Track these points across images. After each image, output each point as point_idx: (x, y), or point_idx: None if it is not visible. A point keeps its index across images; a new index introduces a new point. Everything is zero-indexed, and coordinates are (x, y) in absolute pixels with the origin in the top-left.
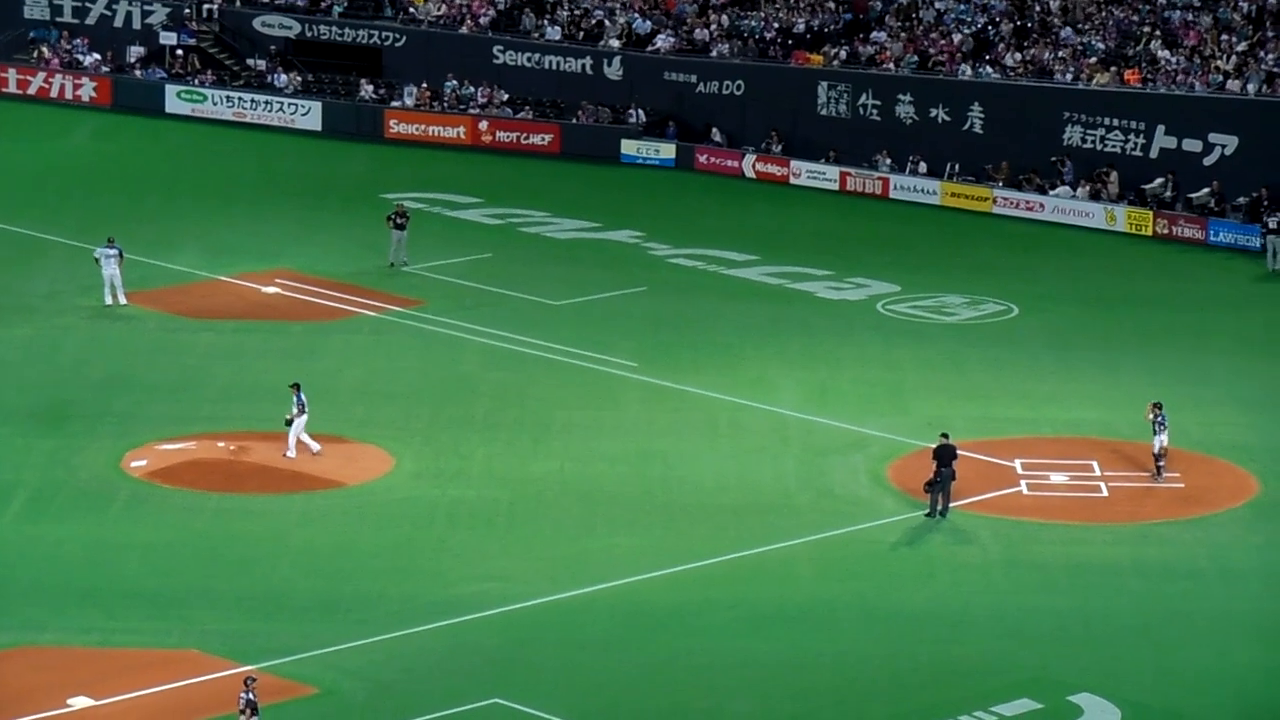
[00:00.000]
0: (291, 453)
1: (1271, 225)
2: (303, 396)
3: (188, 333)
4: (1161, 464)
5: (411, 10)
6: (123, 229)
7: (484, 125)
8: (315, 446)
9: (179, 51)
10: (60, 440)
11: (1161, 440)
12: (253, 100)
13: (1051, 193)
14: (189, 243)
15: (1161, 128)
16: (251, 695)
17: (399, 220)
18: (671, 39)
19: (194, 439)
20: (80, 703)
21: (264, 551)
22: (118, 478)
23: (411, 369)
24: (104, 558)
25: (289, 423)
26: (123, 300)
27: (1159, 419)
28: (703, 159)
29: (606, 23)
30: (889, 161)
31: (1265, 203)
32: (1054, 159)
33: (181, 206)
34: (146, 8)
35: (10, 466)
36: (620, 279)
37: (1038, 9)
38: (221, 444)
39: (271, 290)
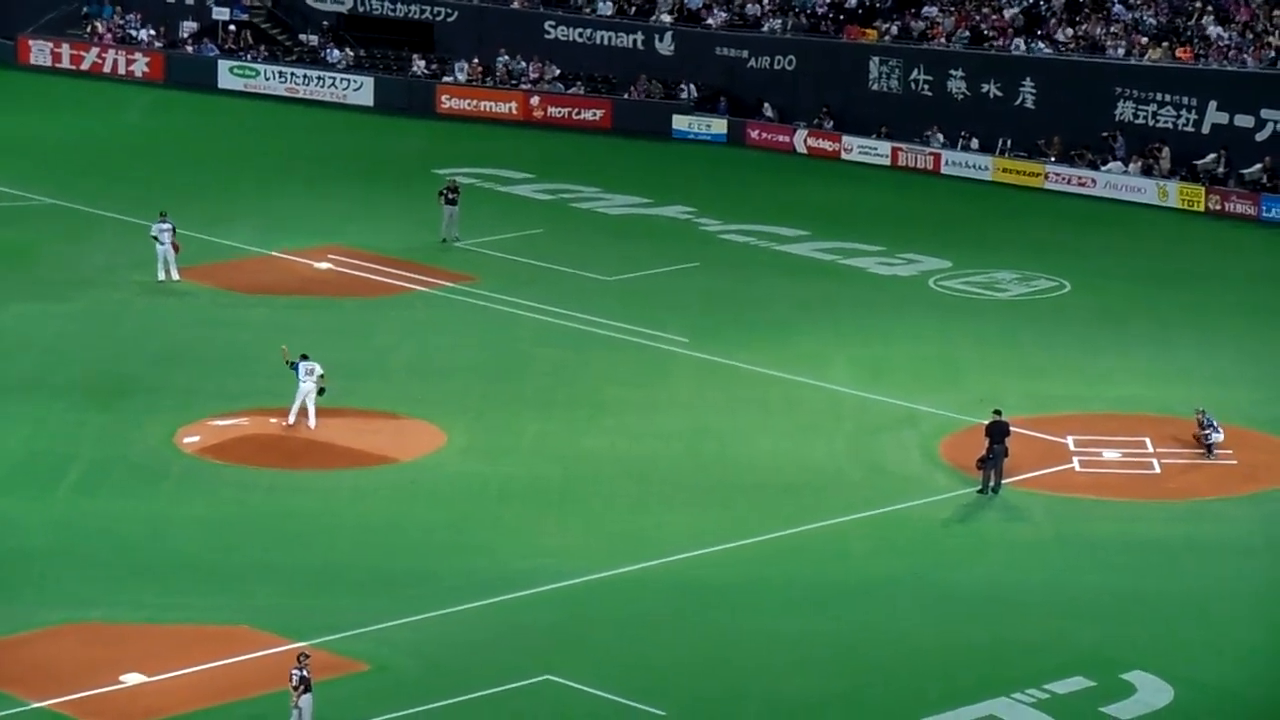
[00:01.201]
0: (312, 422)
1: None
2: (309, 364)
3: (241, 308)
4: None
5: None
6: (176, 204)
7: (535, 100)
8: (291, 418)
9: (232, 27)
10: (114, 415)
11: (1217, 439)
12: (305, 76)
13: (1103, 168)
14: (242, 218)
15: (1214, 103)
16: (305, 671)
17: (450, 196)
18: (723, 14)
19: (247, 415)
20: (133, 679)
21: (317, 527)
22: (171, 453)
23: (463, 345)
24: (157, 533)
25: (322, 391)
26: (175, 276)
27: (1207, 423)
28: (754, 134)
29: None
30: (941, 137)
31: None
32: (1106, 134)
33: (234, 182)
34: None
35: (64, 441)
36: (672, 255)
37: None
38: (274, 420)
39: (324, 266)
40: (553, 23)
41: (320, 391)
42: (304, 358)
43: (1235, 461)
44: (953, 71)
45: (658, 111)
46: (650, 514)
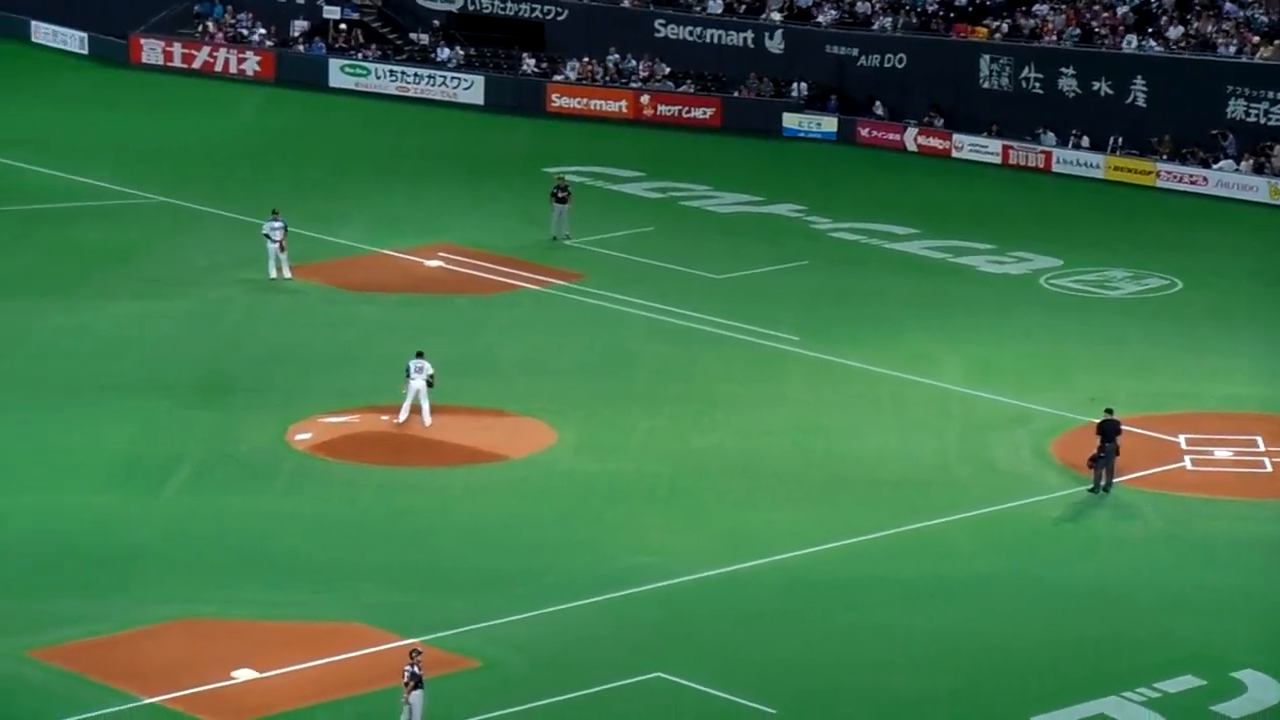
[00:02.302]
0: (426, 419)
1: None
2: (419, 363)
3: (351, 305)
4: None
5: None
6: (287, 202)
7: (645, 99)
8: (403, 415)
9: (342, 26)
10: (224, 413)
11: None
12: (416, 74)
13: (1215, 166)
14: (352, 216)
15: None
16: (416, 668)
17: (561, 194)
18: (833, 12)
19: (357, 412)
20: (244, 674)
21: (427, 525)
22: (281, 450)
23: (573, 342)
24: (267, 530)
25: (430, 384)
26: (287, 274)
27: None
28: (864, 132)
29: None
30: (1052, 135)
31: None
32: (1217, 132)
33: (345, 180)
34: None
35: (175, 439)
36: (782, 253)
37: None
38: (385, 417)
39: (434, 264)
40: (663, 21)
41: (429, 385)
42: (419, 355)
43: None
44: (1064, 69)
45: (768, 109)
46: (758, 511)
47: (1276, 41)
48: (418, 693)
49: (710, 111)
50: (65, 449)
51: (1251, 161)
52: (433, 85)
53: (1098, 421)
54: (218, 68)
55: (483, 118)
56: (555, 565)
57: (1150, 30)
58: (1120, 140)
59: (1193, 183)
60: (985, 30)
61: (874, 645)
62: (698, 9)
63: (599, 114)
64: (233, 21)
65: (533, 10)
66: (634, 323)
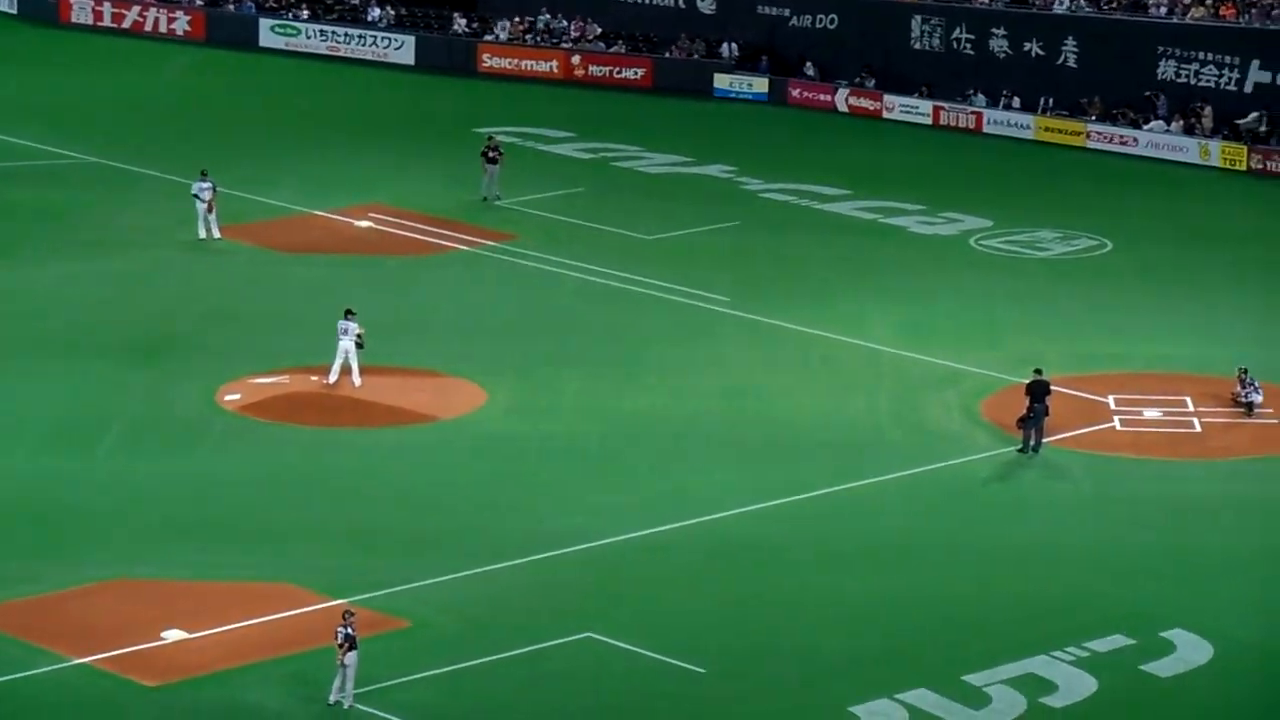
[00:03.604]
0: (356, 380)
1: None
2: (345, 324)
3: (281, 266)
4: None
5: None
6: (218, 163)
7: (576, 59)
8: (333, 376)
9: None
10: (155, 374)
11: (1256, 400)
12: (346, 34)
13: (1145, 127)
14: (283, 177)
15: (1256, 62)
16: (350, 629)
17: (492, 154)
18: None
19: (287, 373)
20: (174, 635)
21: (358, 485)
22: (212, 411)
23: (504, 303)
24: (199, 491)
25: (360, 346)
26: (217, 234)
27: (1248, 383)
28: (795, 93)
29: None
30: (982, 96)
31: None
32: (1148, 93)
33: (275, 141)
34: None
35: (106, 400)
36: (713, 214)
37: None
38: (315, 378)
39: (365, 225)
40: None
41: (359, 346)
42: (348, 314)
43: (1276, 421)
44: (994, 30)
45: (699, 70)
46: (689, 472)
47: (1207, 2)
48: (353, 653)
49: (641, 72)
50: None
51: (1182, 123)
52: (363, 45)
53: (1027, 382)
54: (148, 27)
55: (414, 78)
56: (486, 526)
57: None
58: (1051, 101)
59: (1123, 143)
60: None
61: (804, 606)
62: None
63: (530, 74)
64: None
65: None
66: (565, 283)
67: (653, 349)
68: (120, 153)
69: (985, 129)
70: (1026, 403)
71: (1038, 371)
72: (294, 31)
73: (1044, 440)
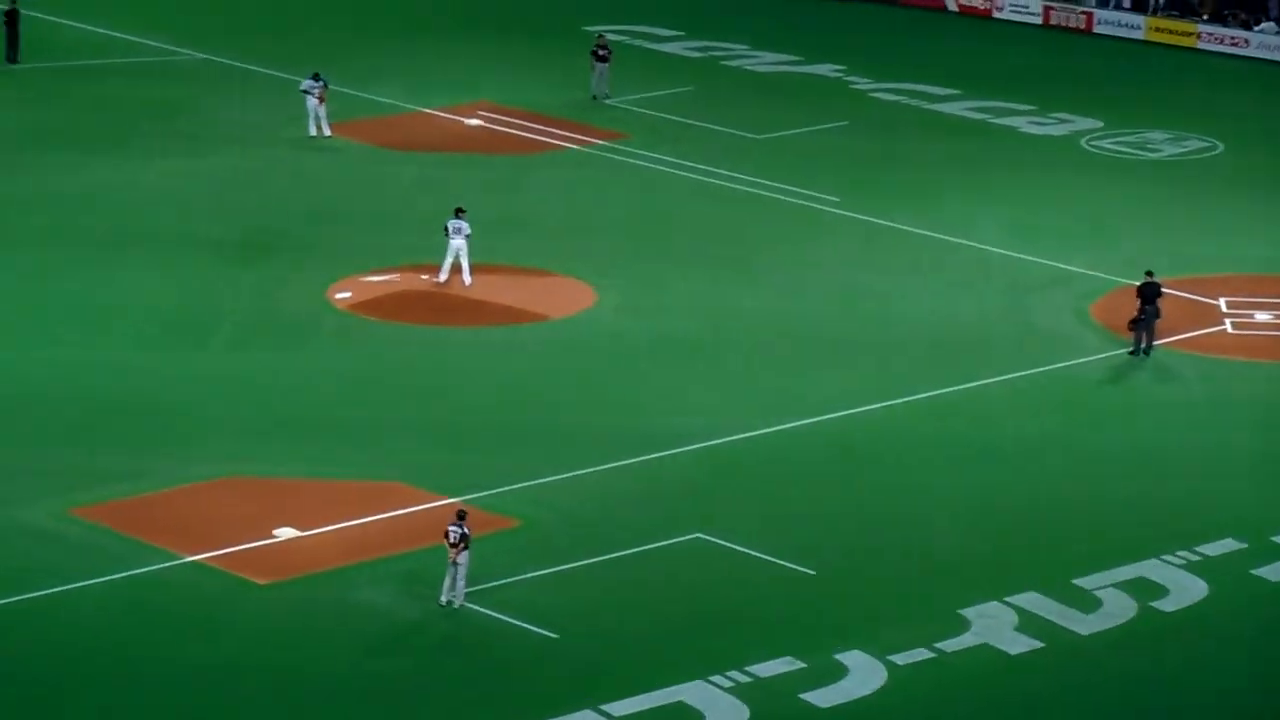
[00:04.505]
0: (467, 279)
1: None
2: (457, 223)
3: (391, 165)
4: None
5: None
6: (326, 60)
7: None
8: (444, 275)
9: None
10: (265, 271)
11: None
12: None
13: (1257, 29)
14: (391, 75)
15: None
16: (464, 529)
17: (601, 53)
18: None
19: (398, 271)
20: (286, 533)
21: (468, 383)
22: (322, 309)
23: (614, 202)
24: (309, 389)
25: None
26: (327, 132)
27: None
28: None
29: None
30: None
31: None
32: None
33: (382, 38)
34: None
35: (216, 297)
36: (822, 113)
37: None
38: (425, 276)
39: (474, 123)
40: None
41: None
42: (459, 212)
43: None
44: None
45: None
46: (800, 373)
47: None
48: (465, 553)
49: None
50: (107, 305)
51: None
52: None
53: (1138, 284)
54: None
55: None
56: (596, 425)
57: None
58: (1161, 1)
59: (1234, 44)
60: None
61: (914, 506)
62: None
63: None
64: None
65: None
66: (675, 183)
67: (762, 249)
68: (229, 50)
69: (1095, 29)
70: (1137, 305)
71: (1149, 273)
72: None
73: (1155, 343)
